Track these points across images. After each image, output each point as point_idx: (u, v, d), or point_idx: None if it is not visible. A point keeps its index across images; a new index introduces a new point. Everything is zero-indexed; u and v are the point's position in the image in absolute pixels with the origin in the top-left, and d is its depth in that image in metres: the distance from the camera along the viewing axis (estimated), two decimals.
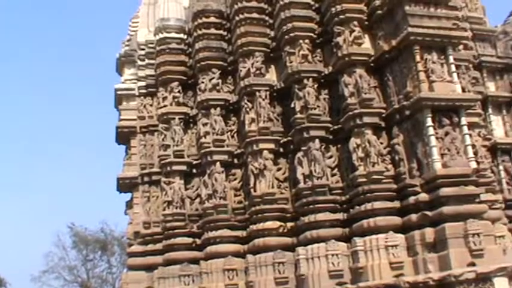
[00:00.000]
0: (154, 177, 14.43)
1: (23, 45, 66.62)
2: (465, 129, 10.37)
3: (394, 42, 11.02)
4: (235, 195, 13.19)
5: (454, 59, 10.77)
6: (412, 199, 10.35)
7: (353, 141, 11.33)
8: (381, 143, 11.25)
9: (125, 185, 15.25)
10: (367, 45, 11.70)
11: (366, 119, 11.25)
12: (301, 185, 11.79)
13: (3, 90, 62.85)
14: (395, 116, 11.09)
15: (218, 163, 13.07)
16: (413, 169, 10.54)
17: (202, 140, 13.38)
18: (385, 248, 10.27)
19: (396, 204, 10.72)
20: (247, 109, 12.86)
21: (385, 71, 11.50)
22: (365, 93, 11.31)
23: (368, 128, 11.23)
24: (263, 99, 12.75)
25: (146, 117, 15.13)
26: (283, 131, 12.77)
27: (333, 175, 11.96)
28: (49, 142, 61.48)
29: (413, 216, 10.26)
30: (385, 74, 11.49)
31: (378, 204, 10.68)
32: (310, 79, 12.23)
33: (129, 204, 15.73)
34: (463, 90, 10.72)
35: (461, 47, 11.03)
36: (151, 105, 15.19)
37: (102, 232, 37.22)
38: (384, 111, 11.37)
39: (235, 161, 13.35)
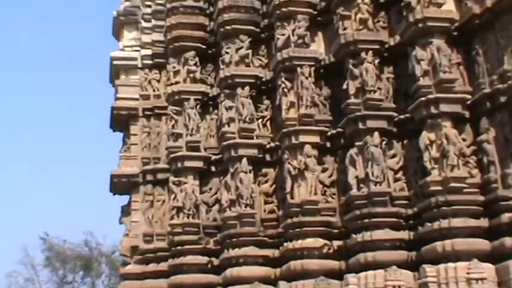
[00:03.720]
0: (160, 176, 14.61)
1: None
2: None
3: (488, 3, 10.86)
4: (266, 203, 13.34)
5: None
6: (506, 217, 10.22)
7: (425, 136, 11.22)
8: (464, 140, 11.14)
9: (121, 185, 15.50)
10: (449, 6, 11.61)
11: (444, 107, 11.11)
12: (354, 191, 11.80)
13: None
14: (485, 104, 10.96)
15: (245, 159, 13.16)
16: (509, 176, 10.37)
17: (225, 128, 13.54)
18: (466, 281, 10.19)
19: (483, 222, 10.65)
20: (285, 90, 12.96)
21: (473, 43, 11.39)
22: (444, 72, 11.16)
23: (446, 118, 11.12)
24: (306, 78, 12.79)
25: (151, 96, 15.37)
26: (332, 120, 12.91)
27: (396, 180, 11.94)
28: (16, 129, 61.04)
29: (508, 241, 10.12)
30: (474, 47, 11.37)
31: (457, 222, 10.58)
32: (370, 52, 12.18)
33: (126, 210, 15.79)
34: None
35: None
36: (158, 80, 15.42)
37: (86, 246, 37.13)
38: (469, 96, 11.26)
39: (268, 157, 13.52)
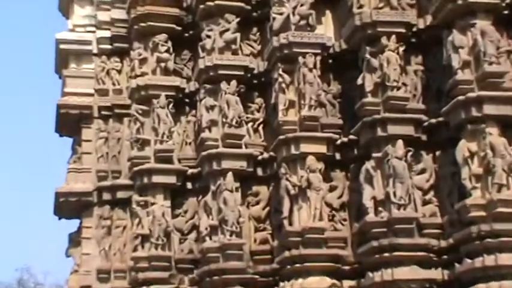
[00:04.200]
0: (120, 194, 14.70)
1: None
2: None
3: None
4: (257, 230, 13.39)
5: None
6: None
7: (464, 146, 11.08)
8: None
9: (69, 206, 15.47)
10: None
11: (489, 109, 10.94)
12: (370, 217, 11.75)
13: None
14: None
15: (230, 174, 13.14)
16: None
17: (206, 134, 13.58)
18: None
19: None
20: (283, 85, 12.93)
21: None
22: (489, 64, 10.97)
23: (492, 123, 10.95)
24: (310, 70, 12.72)
25: (110, 91, 15.49)
26: (343, 124, 12.95)
27: (426, 203, 11.91)
28: None
29: None
30: None
31: (506, 259, 10.35)
32: (393, 37, 12.13)
33: (75, 240, 15.74)
34: None
35: None
36: (119, 71, 15.60)
37: (21, 286, 36.78)
38: None
39: (259, 171, 13.61)
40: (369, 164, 12.03)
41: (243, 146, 13.56)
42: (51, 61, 16.99)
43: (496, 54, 11.18)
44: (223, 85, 13.63)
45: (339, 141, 12.85)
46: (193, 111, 14.51)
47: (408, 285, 11.31)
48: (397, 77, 12.05)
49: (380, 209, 11.80)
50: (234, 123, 13.50)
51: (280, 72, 13.02)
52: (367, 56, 12.31)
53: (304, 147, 12.61)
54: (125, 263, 14.24)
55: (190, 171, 14.13)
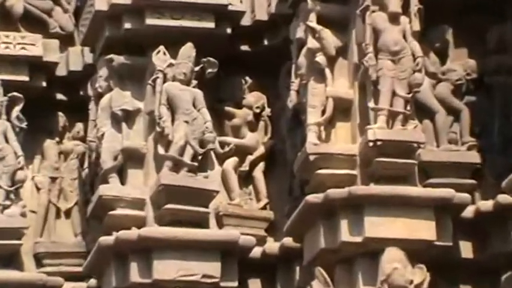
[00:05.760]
0: None
1: None
2: None
3: None
4: None
5: None
6: None
7: None
8: None
9: None
10: None
11: None
12: None
13: None
14: None
15: None
16: None
17: (110, 188, 12.41)
18: None
19: None
20: (320, 60, 10.01)
21: None
22: None
23: None
24: (393, 19, 9.97)
25: None
26: (481, 162, 10.89)
27: None
28: None
29: None
30: None
31: None
32: None
33: None
34: None
35: None
36: None
37: None
38: None
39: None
40: None
41: (214, 224, 10.97)
42: None
43: None
44: (159, 58, 10.65)
45: (470, 211, 9.96)
46: (80, 125, 12.02)
47: None
48: None
49: None
50: (186, 158, 10.79)
51: (312, 23, 10.28)
52: None
53: (375, 228, 9.32)
54: None
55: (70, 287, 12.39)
